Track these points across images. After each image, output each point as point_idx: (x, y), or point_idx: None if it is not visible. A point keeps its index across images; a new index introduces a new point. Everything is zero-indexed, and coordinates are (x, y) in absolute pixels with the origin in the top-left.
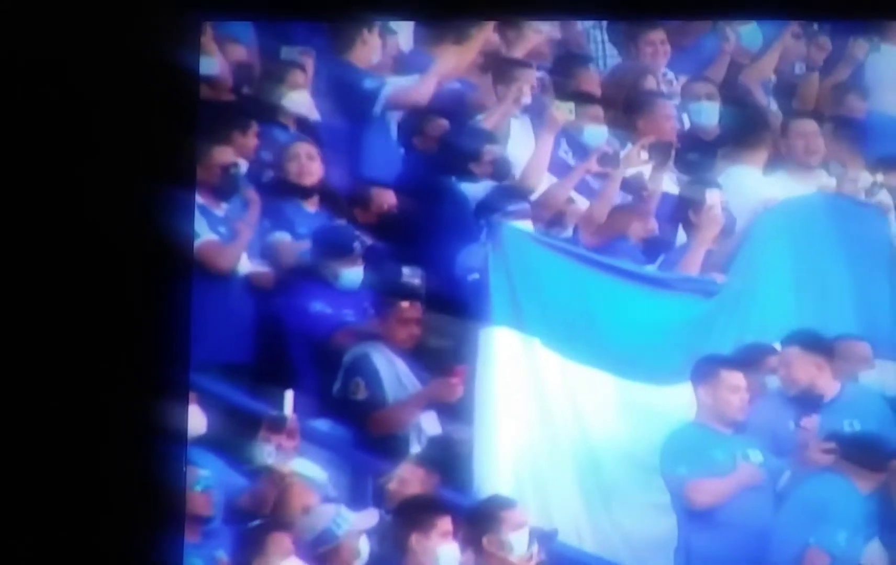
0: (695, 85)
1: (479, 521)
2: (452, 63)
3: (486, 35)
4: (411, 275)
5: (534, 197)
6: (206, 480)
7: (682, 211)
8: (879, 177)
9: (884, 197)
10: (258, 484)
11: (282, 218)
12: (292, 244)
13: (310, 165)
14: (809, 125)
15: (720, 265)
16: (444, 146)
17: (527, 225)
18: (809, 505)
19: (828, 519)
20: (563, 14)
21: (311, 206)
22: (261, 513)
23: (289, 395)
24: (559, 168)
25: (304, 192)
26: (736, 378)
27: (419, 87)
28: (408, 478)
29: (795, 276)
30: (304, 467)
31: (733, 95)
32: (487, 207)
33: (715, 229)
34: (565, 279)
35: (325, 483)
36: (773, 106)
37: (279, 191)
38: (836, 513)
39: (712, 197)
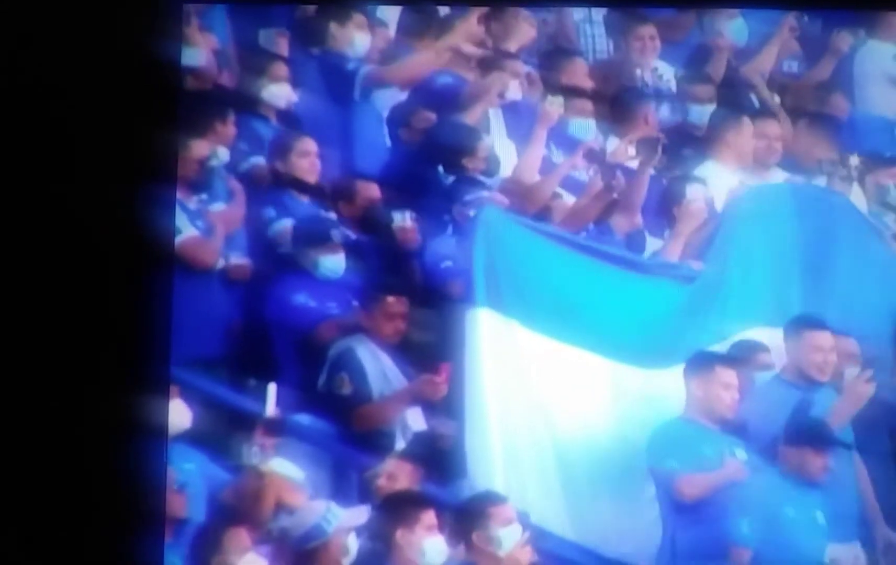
0: (696, 87)
1: (468, 517)
2: (433, 52)
3: (468, 26)
4: (402, 220)
5: (520, 191)
6: (185, 475)
7: (666, 205)
8: (854, 160)
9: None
10: (238, 481)
11: (284, 206)
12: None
13: (317, 163)
14: (772, 127)
15: (697, 253)
16: (433, 140)
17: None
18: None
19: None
20: (551, 1)
21: (302, 197)
22: (239, 510)
23: (272, 390)
24: (544, 163)
25: (304, 187)
26: (729, 375)
27: (398, 68)
28: (396, 474)
29: (770, 260)
30: (282, 467)
31: (734, 92)
32: (471, 200)
33: (694, 223)
34: (548, 261)
35: (304, 483)
36: (777, 100)
37: (280, 182)
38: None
39: (693, 191)
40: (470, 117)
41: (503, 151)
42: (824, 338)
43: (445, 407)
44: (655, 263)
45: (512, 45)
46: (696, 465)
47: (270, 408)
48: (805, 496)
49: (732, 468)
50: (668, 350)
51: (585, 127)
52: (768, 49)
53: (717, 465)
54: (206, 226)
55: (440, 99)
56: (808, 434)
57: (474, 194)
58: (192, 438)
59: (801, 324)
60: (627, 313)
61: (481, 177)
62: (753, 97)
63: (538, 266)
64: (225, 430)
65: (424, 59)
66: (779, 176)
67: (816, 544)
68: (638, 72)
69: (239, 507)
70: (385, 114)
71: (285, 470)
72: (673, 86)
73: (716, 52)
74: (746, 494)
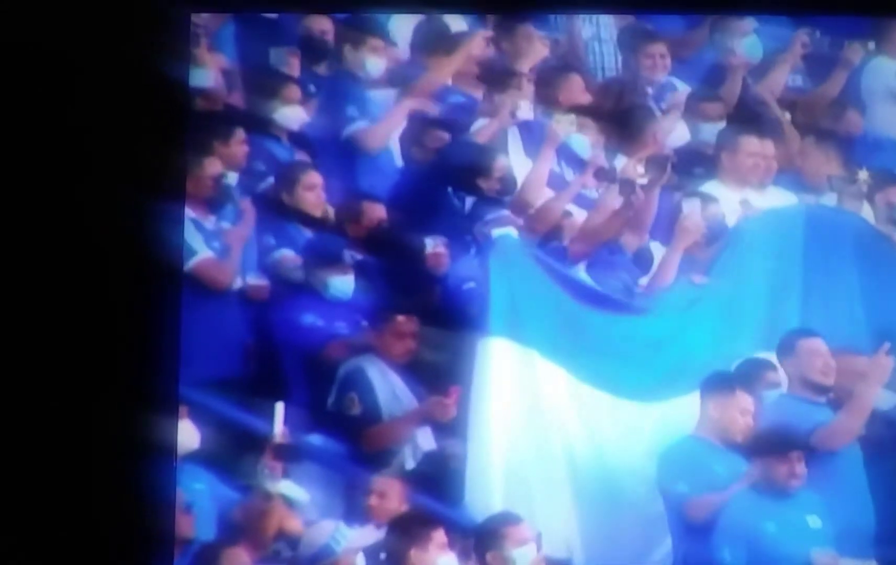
0: (706, 105)
1: (483, 537)
2: (435, 76)
3: (474, 45)
4: (434, 246)
5: (530, 210)
6: (194, 495)
7: (671, 222)
8: (864, 175)
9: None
10: (246, 502)
11: (284, 235)
12: (296, 260)
13: (322, 195)
14: (767, 146)
15: (700, 270)
16: (447, 159)
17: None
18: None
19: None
20: (560, 9)
21: (308, 226)
22: (243, 530)
23: (279, 409)
24: (554, 181)
25: (310, 219)
26: (747, 401)
27: (376, 132)
28: (387, 491)
29: (775, 284)
30: (290, 490)
31: (746, 110)
32: (483, 220)
33: (688, 239)
34: (557, 296)
35: (310, 507)
36: (787, 116)
37: (285, 213)
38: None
39: (689, 206)
40: (483, 136)
41: (521, 170)
42: (819, 344)
43: (456, 427)
44: (654, 296)
45: (524, 65)
46: (707, 485)
47: (278, 428)
48: (784, 507)
49: (742, 486)
50: (671, 379)
51: (593, 145)
52: (781, 66)
53: (728, 483)
54: (222, 247)
55: (453, 118)
56: (770, 442)
57: (493, 214)
58: (201, 458)
59: (793, 337)
60: (628, 348)
61: (499, 197)
62: (765, 114)
63: (550, 299)
64: (234, 451)
65: (396, 120)
66: (780, 194)
67: (804, 552)
68: (647, 90)
69: (242, 528)
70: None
71: (292, 494)
72: (691, 106)
73: (730, 72)
74: (729, 518)
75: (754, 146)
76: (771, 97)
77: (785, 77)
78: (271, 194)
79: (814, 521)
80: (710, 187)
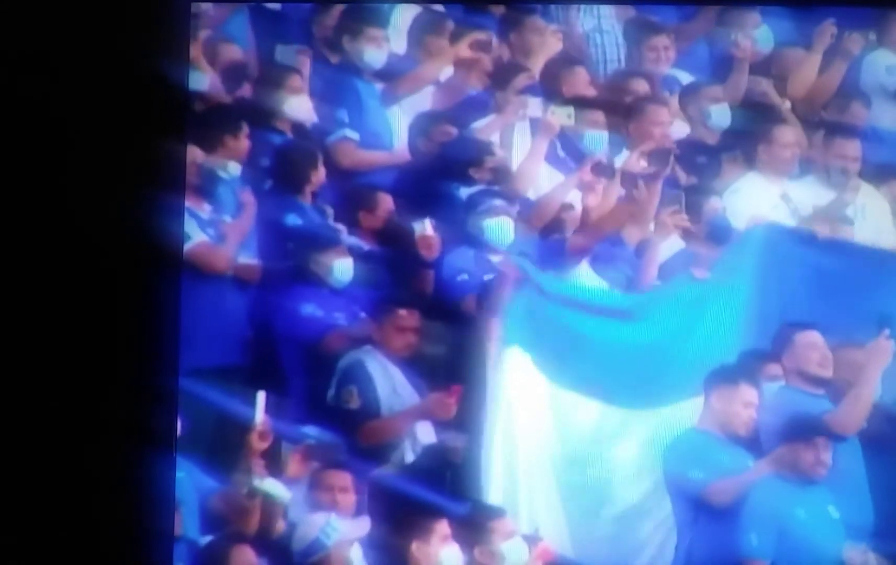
0: (705, 89)
1: (469, 532)
2: (429, 69)
3: (471, 40)
4: (423, 229)
5: (529, 204)
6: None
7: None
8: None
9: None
10: (227, 494)
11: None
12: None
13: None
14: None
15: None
16: (447, 152)
17: (522, 234)
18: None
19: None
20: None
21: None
22: (228, 525)
23: (261, 397)
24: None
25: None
26: (751, 394)
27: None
28: (346, 486)
29: (775, 294)
30: (272, 487)
31: (751, 101)
32: (482, 212)
33: (665, 232)
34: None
35: (291, 505)
36: (787, 105)
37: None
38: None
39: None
40: (489, 131)
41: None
42: (815, 336)
43: (456, 422)
44: (648, 302)
45: (537, 60)
46: (717, 475)
47: (259, 417)
48: (811, 494)
49: (759, 470)
50: (662, 387)
51: (597, 137)
52: (811, 57)
53: (738, 472)
54: (217, 235)
55: (460, 112)
56: (797, 429)
57: (487, 205)
58: (183, 447)
59: (790, 330)
60: (631, 355)
61: (495, 188)
62: (768, 105)
63: (547, 315)
64: (216, 440)
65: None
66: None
67: (833, 541)
68: (651, 82)
69: (223, 519)
70: (407, 122)
71: (275, 491)
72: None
73: (736, 63)
74: (755, 504)
75: (789, 137)
76: (769, 86)
77: (815, 70)
78: (280, 179)
79: (833, 510)
80: (749, 180)
